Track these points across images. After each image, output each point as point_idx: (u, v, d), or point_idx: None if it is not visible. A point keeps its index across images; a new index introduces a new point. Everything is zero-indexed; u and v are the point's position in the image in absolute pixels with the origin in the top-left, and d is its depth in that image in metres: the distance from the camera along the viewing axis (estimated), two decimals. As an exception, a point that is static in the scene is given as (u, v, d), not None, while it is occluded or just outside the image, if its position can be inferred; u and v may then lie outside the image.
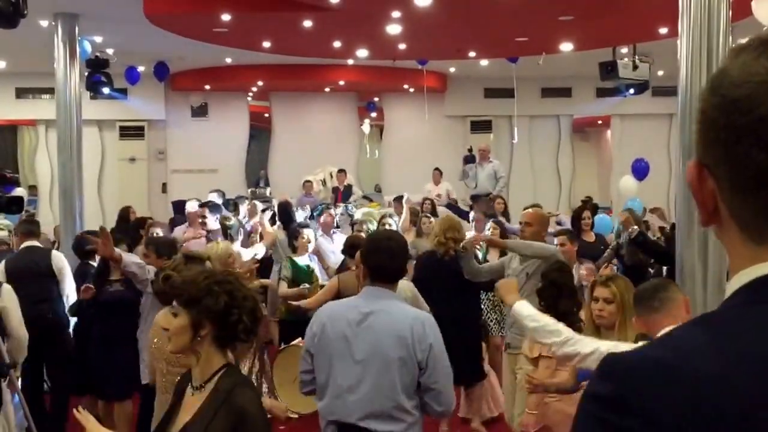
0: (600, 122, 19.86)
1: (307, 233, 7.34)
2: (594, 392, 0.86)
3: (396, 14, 10.30)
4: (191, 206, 8.95)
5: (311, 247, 7.34)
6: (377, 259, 3.35)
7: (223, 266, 5.21)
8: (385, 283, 3.33)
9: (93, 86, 11.86)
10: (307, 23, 10.73)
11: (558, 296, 4.43)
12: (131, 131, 16.33)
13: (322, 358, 3.23)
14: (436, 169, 14.00)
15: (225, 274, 2.55)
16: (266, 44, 12.43)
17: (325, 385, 3.21)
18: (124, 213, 9.59)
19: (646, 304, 3.29)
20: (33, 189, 16.49)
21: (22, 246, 6.47)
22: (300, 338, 4.99)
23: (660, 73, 13.58)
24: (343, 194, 14.19)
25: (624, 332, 3.79)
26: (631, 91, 13.29)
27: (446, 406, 3.24)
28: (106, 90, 12.04)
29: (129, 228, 7.88)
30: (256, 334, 2.56)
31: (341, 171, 15.34)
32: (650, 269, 7.71)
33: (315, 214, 10.05)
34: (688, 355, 0.83)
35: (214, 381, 2.48)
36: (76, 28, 10.15)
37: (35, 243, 6.56)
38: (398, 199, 11.62)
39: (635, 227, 7.24)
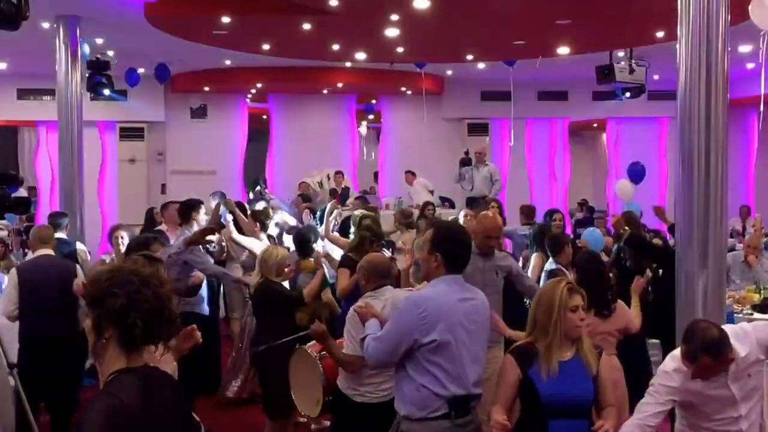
0: (596, 125, 19.92)
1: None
2: None
3: (394, 17, 10.36)
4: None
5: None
6: (456, 249, 3.63)
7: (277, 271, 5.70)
8: (458, 271, 3.63)
9: (94, 88, 11.92)
10: (306, 26, 10.80)
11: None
12: (131, 132, 16.37)
13: (446, 345, 3.44)
14: (407, 171, 14.48)
15: (134, 273, 2.35)
16: (265, 47, 12.50)
17: (453, 365, 3.46)
18: (150, 215, 9.57)
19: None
20: (31, 190, 16.49)
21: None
22: (313, 342, 4.74)
23: (656, 76, 13.64)
24: (340, 196, 14.23)
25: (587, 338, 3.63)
26: (627, 94, 13.34)
27: None
28: (106, 91, 12.09)
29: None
30: (160, 337, 2.35)
31: (339, 173, 15.39)
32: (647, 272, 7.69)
33: (316, 216, 10.04)
34: None
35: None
36: (77, 30, 10.19)
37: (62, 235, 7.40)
38: (360, 199, 11.70)
39: (626, 228, 7.23)
